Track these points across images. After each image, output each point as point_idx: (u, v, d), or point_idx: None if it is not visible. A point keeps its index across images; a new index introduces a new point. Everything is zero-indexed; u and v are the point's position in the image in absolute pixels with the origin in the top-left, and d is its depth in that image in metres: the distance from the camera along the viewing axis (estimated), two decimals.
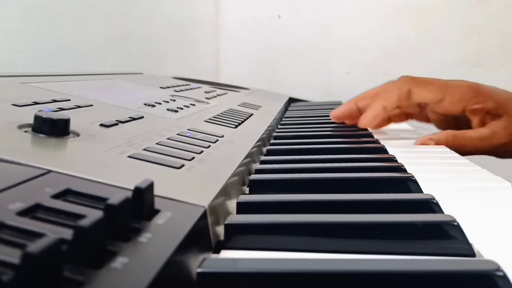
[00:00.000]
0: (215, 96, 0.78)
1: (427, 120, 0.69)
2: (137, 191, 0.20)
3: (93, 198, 0.22)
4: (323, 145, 0.52)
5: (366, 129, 0.63)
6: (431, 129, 0.63)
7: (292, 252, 0.25)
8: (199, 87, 0.86)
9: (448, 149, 0.55)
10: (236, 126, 0.53)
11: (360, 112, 0.63)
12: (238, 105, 0.73)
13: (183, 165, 0.31)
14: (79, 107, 0.41)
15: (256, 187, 0.36)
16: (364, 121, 0.61)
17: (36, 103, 0.38)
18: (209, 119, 0.53)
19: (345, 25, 1.41)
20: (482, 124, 0.60)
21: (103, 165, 0.27)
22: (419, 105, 0.66)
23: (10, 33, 0.76)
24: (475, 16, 1.34)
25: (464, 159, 0.49)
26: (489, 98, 0.59)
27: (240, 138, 0.47)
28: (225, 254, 0.25)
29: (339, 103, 1.00)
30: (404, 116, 0.70)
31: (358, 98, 0.64)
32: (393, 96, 0.60)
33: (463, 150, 0.57)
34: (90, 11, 0.93)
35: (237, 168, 0.35)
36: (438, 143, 0.57)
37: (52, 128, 0.30)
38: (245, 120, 0.59)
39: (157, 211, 0.22)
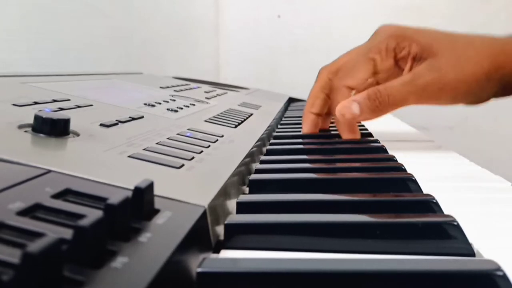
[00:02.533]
0: (215, 96, 0.78)
1: (377, 83, 0.60)
2: (137, 191, 0.20)
3: (93, 198, 0.22)
4: (323, 145, 0.53)
5: (366, 129, 0.63)
6: (430, 129, 0.62)
7: (292, 252, 0.25)
8: (199, 87, 0.86)
9: (448, 149, 0.55)
10: (236, 126, 0.53)
11: (320, 116, 0.59)
12: (238, 105, 0.73)
13: (183, 165, 0.31)
14: (79, 107, 0.41)
15: (256, 187, 0.36)
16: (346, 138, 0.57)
17: (36, 103, 0.38)
18: (209, 119, 0.53)
19: (345, 25, 1.41)
20: None
21: (103, 165, 0.28)
22: None
23: (10, 33, 0.76)
24: (475, 16, 1.34)
25: (464, 159, 0.49)
26: (412, 42, 0.53)
27: (240, 138, 0.47)
28: (225, 254, 0.25)
29: None
30: None
31: (309, 105, 0.59)
32: (318, 102, 0.56)
33: (391, 102, 0.52)
34: (90, 11, 0.93)
35: (237, 168, 0.35)
36: (361, 101, 0.52)
37: (52, 128, 0.30)
38: (245, 120, 0.59)
39: (157, 211, 0.22)
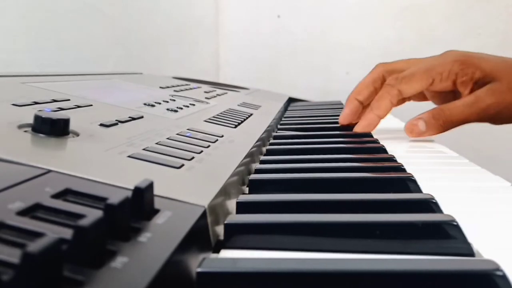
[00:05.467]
0: (214, 96, 0.78)
1: (424, 98, 0.69)
2: (137, 191, 0.20)
3: (93, 198, 0.22)
4: (323, 144, 0.53)
5: None
6: None
7: (292, 252, 0.25)
8: (198, 87, 0.86)
9: (448, 149, 0.55)
10: (236, 126, 0.53)
11: (362, 105, 0.64)
12: (238, 105, 0.73)
13: (182, 165, 0.31)
14: (79, 107, 0.41)
15: (256, 186, 0.36)
16: (358, 130, 0.61)
17: (36, 103, 0.38)
18: (209, 119, 0.53)
19: (344, 25, 1.41)
20: None
21: (103, 165, 0.28)
22: None
23: (10, 33, 0.76)
24: (475, 16, 1.34)
25: (464, 159, 0.49)
26: (477, 69, 0.58)
27: (240, 138, 0.47)
28: (225, 253, 0.25)
29: (339, 103, 1.00)
30: (401, 101, 0.71)
31: (356, 92, 0.64)
32: (386, 103, 0.60)
33: (454, 121, 0.57)
34: (90, 11, 0.93)
35: (236, 168, 0.35)
36: (426, 120, 0.58)
37: (52, 128, 0.30)
38: (244, 120, 0.59)
39: (156, 211, 0.22)
